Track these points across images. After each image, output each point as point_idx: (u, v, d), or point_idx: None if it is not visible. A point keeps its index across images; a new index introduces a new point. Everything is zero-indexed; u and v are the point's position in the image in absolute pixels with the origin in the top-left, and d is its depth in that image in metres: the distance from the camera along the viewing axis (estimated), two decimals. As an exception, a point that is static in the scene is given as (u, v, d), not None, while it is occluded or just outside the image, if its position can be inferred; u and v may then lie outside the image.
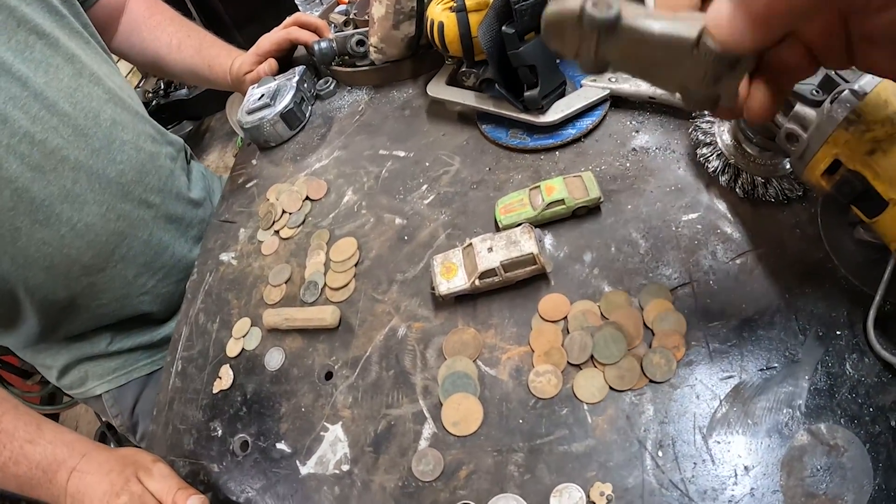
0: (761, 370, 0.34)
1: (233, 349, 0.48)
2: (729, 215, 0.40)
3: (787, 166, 0.39)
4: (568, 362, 0.38)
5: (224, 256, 0.55)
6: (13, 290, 0.57)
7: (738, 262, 0.38)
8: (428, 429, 0.39)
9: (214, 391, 0.47)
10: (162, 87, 1.59)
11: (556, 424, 0.36)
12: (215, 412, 0.46)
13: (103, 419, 0.77)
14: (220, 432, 0.45)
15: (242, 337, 0.48)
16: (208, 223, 0.70)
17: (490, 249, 0.40)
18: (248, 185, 0.60)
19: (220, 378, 0.47)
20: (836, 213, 0.37)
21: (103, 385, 0.66)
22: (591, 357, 0.38)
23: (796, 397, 0.32)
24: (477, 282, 0.40)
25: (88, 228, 0.57)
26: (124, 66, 1.75)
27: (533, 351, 0.39)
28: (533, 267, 0.40)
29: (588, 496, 0.33)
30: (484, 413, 0.38)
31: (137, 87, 1.81)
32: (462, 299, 0.43)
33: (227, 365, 0.48)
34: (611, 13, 0.22)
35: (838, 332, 0.34)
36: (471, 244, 0.41)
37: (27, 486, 0.46)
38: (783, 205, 0.39)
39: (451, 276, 0.41)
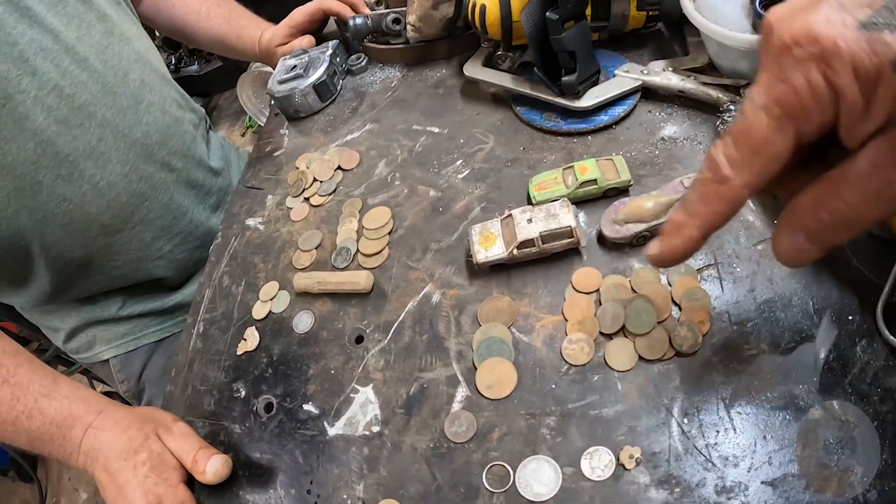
0: (779, 347, 0.35)
1: (259, 311, 0.48)
2: (751, 204, 0.42)
3: None
4: (600, 332, 0.39)
5: (251, 221, 0.55)
6: (28, 245, 0.56)
7: (759, 247, 0.40)
8: (461, 392, 0.39)
9: (238, 352, 0.47)
10: (172, 62, 1.57)
11: (587, 390, 0.37)
12: (238, 373, 0.46)
13: (100, 390, 0.76)
14: (243, 393, 0.45)
15: (270, 300, 0.48)
16: (226, 192, 0.70)
17: (530, 221, 0.41)
18: (275, 154, 0.60)
19: (245, 340, 0.47)
20: None
21: (111, 350, 0.65)
22: (623, 327, 0.39)
23: (811, 375, 0.34)
24: (515, 251, 0.41)
25: (110, 187, 0.57)
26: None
27: (566, 320, 0.40)
28: (569, 240, 0.41)
29: (618, 459, 0.34)
30: (518, 377, 0.39)
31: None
32: (497, 269, 0.44)
33: (253, 327, 0.48)
34: None
35: (850, 318, 0.35)
36: (510, 215, 0.42)
37: (39, 442, 0.45)
38: None
39: (489, 245, 0.42)
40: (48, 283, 0.60)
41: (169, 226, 0.62)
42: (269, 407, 0.44)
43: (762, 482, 0.31)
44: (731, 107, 0.45)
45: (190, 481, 0.42)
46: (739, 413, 0.34)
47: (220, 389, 0.46)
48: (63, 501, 1.39)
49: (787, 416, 0.33)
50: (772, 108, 0.21)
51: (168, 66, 1.57)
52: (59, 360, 1.24)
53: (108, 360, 0.66)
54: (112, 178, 0.56)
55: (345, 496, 0.38)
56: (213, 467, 0.40)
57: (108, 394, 0.66)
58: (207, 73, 1.58)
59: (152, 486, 0.40)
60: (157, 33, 1.44)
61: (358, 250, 0.48)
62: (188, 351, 0.50)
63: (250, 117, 1.57)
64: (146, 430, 0.43)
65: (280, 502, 0.40)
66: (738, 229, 0.41)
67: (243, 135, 1.77)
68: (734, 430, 0.33)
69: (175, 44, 1.67)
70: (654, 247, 0.27)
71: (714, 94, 0.47)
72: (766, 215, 0.41)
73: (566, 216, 0.41)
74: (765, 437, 0.33)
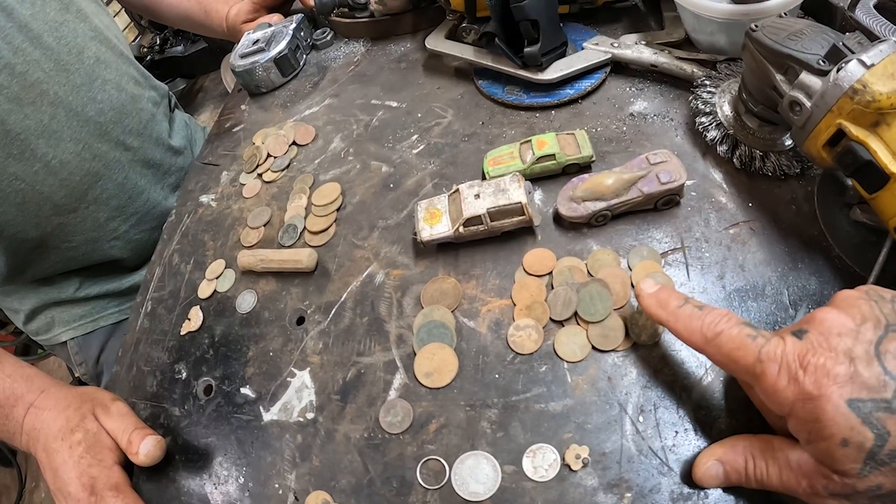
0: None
1: (205, 290, 0.46)
2: (724, 185, 0.39)
3: (787, 142, 0.39)
4: (550, 318, 0.36)
5: (204, 198, 0.53)
6: None
7: (731, 231, 0.37)
8: (399, 379, 0.37)
9: (182, 333, 0.45)
10: (157, 42, 1.56)
11: (533, 381, 0.34)
12: (181, 354, 0.44)
13: (76, 374, 0.75)
14: (184, 375, 0.43)
15: (216, 278, 0.46)
16: (188, 172, 0.68)
17: (477, 196, 0.39)
18: (234, 130, 0.58)
19: (190, 319, 0.45)
20: (832, 194, 0.36)
21: (69, 332, 0.64)
22: (575, 314, 0.36)
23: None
24: (461, 229, 0.39)
25: (63, 166, 0.55)
26: (122, 21, 1.70)
27: (514, 304, 0.37)
28: (520, 218, 0.38)
29: (563, 458, 0.32)
30: (459, 365, 0.36)
31: (133, 42, 1.77)
32: (444, 248, 0.41)
33: (198, 307, 0.46)
34: None
35: (829, 311, 0.32)
36: (457, 190, 0.40)
37: None
38: (780, 180, 0.38)
39: (435, 223, 0.40)
40: (4, 264, 0.59)
41: (124, 206, 0.61)
42: (208, 390, 0.42)
43: (724, 490, 0.28)
44: (707, 81, 0.42)
45: (128, 464, 0.40)
46: (702, 411, 0.31)
47: (162, 371, 0.44)
48: (42, 486, 1.39)
49: (755, 416, 0.30)
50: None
51: (152, 47, 1.58)
52: (35, 344, 1.24)
53: (66, 343, 0.65)
54: (64, 157, 0.55)
55: (276, 485, 0.36)
56: (145, 448, 0.39)
57: (80, 380, 0.65)
58: (192, 54, 1.57)
59: (87, 467, 0.38)
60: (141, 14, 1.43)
61: (305, 228, 0.45)
62: (135, 331, 0.48)
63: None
64: (84, 410, 0.41)
65: (213, 489, 0.38)
66: (709, 211, 0.38)
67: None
68: (694, 430, 0.30)
69: (161, 25, 1.65)
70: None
71: (688, 68, 0.44)
72: (739, 197, 0.38)
73: (516, 192, 0.38)
74: (729, 440, 0.30)
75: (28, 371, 0.45)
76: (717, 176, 0.40)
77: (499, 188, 0.38)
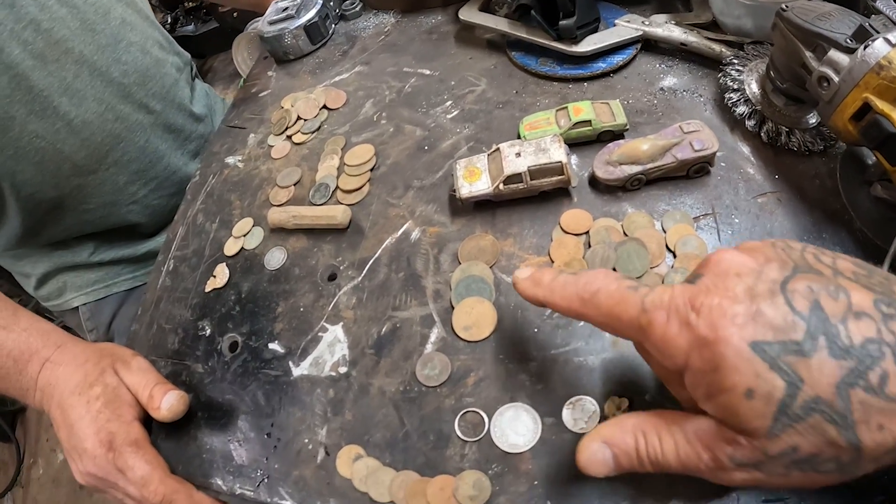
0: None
1: (231, 248, 0.45)
2: (752, 158, 0.40)
3: (811, 121, 0.40)
4: (589, 275, 0.36)
5: (230, 159, 0.53)
6: None
7: (759, 200, 0.38)
8: (436, 332, 0.37)
9: (207, 290, 0.44)
10: (168, 21, 1.54)
11: (572, 335, 0.34)
12: (205, 311, 0.44)
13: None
14: (208, 332, 0.43)
15: (243, 236, 0.45)
16: (207, 140, 0.67)
17: (518, 155, 0.39)
18: (261, 94, 0.58)
19: (215, 277, 0.45)
20: (854, 171, 0.38)
21: (81, 297, 0.63)
22: (613, 270, 0.36)
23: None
24: (501, 186, 0.39)
25: (85, 125, 0.54)
26: None
27: (552, 261, 0.37)
28: (559, 178, 0.39)
29: (603, 410, 0.32)
30: (497, 320, 0.36)
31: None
32: (481, 207, 0.41)
33: (224, 264, 0.45)
34: None
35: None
36: (498, 149, 0.40)
37: None
38: (804, 156, 0.39)
39: (474, 180, 0.40)
40: (19, 225, 0.57)
41: (144, 170, 0.60)
42: (233, 346, 0.41)
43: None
44: (735, 61, 0.43)
45: (147, 421, 0.39)
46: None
47: (185, 328, 0.44)
48: (40, 462, 1.36)
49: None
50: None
51: (163, 25, 1.57)
52: (45, 312, 1.22)
53: (77, 308, 0.63)
54: (87, 117, 0.54)
55: (306, 440, 0.36)
56: (168, 402, 0.37)
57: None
58: (203, 33, 1.55)
59: (105, 422, 0.37)
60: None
61: (337, 187, 0.45)
62: (156, 289, 0.47)
63: (244, 79, 1.54)
64: (103, 365, 0.40)
65: (238, 446, 0.37)
66: (738, 181, 0.39)
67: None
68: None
69: (172, 4, 1.64)
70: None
71: (717, 48, 0.45)
72: (766, 169, 0.39)
73: (557, 151, 0.38)
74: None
75: (45, 326, 0.44)
76: (745, 149, 0.41)
77: (539, 147, 0.39)
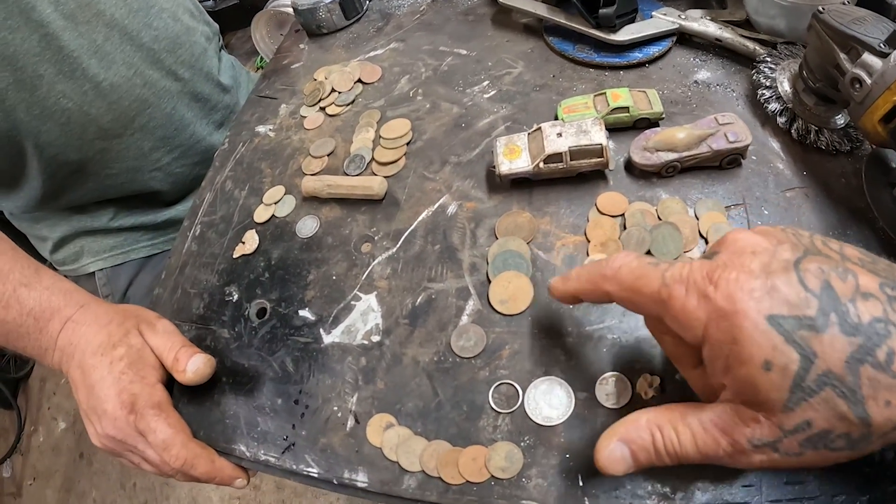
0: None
1: (261, 215, 0.45)
2: (781, 154, 0.41)
3: (839, 122, 0.41)
4: (625, 256, 0.37)
5: (261, 128, 0.52)
6: (22, 143, 0.52)
7: (787, 194, 0.39)
8: (472, 305, 0.37)
9: (235, 256, 0.44)
10: None
11: (607, 313, 0.35)
12: (233, 277, 0.43)
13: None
14: (235, 297, 0.42)
15: (274, 203, 0.45)
16: (233, 111, 0.67)
17: (559, 135, 0.39)
18: (293, 66, 0.57)
19: (244, 243, 0.44)
20: (879, 172, 0.38)
21: (98, 262, 0.62)
22: (648, 252, 0.37)
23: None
24: (541, 165, 0.39)
25: (113, 89, 0.54)
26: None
27: (588, 241, 0.38)
28: (598, 160, 0.39)
29: (635, 387, 0.32)
30: (534, 294, 0.36)
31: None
32: (518, 185, 0.41)
33: (254, 230, 0.45)
34: None
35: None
36: (539, 128, 0.40)
37: (14, 335, 0.41)
38: (831, 155, 0.40)
39: (514, 158, 0.40)
40: (40, 187, 0.57)
41: (170, 137, 0.60)
42: (261, 312, 0.41)
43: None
44: (768, 59, 0.44)
45: (169, 385, 0.39)
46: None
47: (211, 293, 0.43)
48: (41, 430, 1.34)
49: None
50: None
51: None
52: None
53: (93, 274, 0.63)
54: (115, 80, 0.53)
55: (335, 408, 0.36)
56: (194, 365, 0.37)
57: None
58: (222, 9, 1.53)
59: (128, 383, 0.37)
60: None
61: (373, 158, 0.45)
62: (181, 254, 0.47)
63: (262, 57, 1.51)
64: (127, 326, 0.39)
65: (264, 413, 0.37)
66: (767, 174, 0.40)
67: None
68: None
69: None
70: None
71: (751, 45, 0.46)
72: (795, 165, 0.40)
73: (598, 134, 0.38)
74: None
75: (67, 285, 0.43)
76: (775, 144, 0.41)
77: (580, 129, 0.39)
